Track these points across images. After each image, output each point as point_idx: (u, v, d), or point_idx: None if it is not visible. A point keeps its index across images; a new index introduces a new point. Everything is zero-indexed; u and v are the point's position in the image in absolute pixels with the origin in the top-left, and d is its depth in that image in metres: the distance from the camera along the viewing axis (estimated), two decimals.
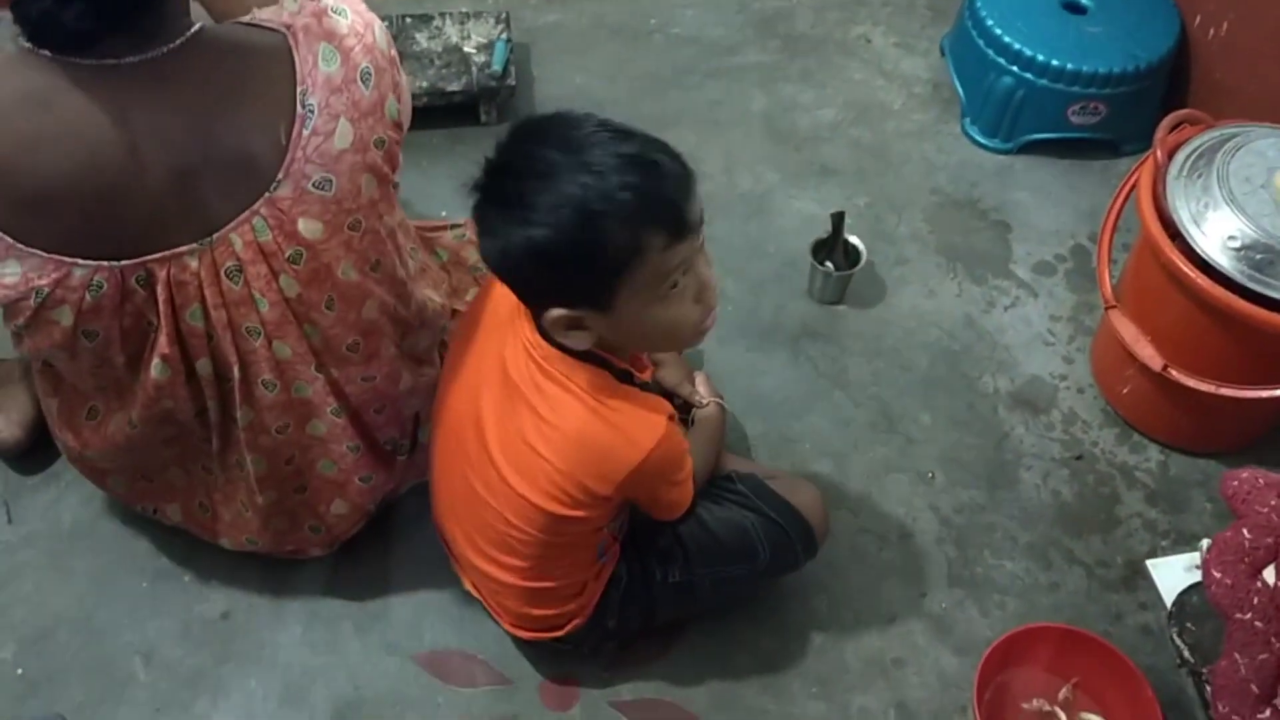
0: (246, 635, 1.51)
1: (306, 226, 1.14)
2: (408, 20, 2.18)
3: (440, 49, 2.14)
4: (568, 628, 1.37)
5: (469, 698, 1.46)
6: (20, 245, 1.08)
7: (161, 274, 1.14)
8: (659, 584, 1.39)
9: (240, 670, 1.48)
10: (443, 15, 2.19)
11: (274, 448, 1.33)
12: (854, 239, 1.89)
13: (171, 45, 1.06)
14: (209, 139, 1.08)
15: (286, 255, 1.15)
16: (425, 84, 2.07)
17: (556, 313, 1.09)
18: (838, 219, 1.86)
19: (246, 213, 1.12)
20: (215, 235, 1.13)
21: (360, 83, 1.12)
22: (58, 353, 1.19)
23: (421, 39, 2.15)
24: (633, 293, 1.07)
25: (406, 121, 1.23)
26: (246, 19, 1.14)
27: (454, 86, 2.08)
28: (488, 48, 2.14)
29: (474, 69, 2.10)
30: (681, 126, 2.14)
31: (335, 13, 1.13)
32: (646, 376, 1.28)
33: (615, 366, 1.19)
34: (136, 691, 1.46)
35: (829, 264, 1.88)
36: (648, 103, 2.21)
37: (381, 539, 1.58)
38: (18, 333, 1.19)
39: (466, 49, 2.14)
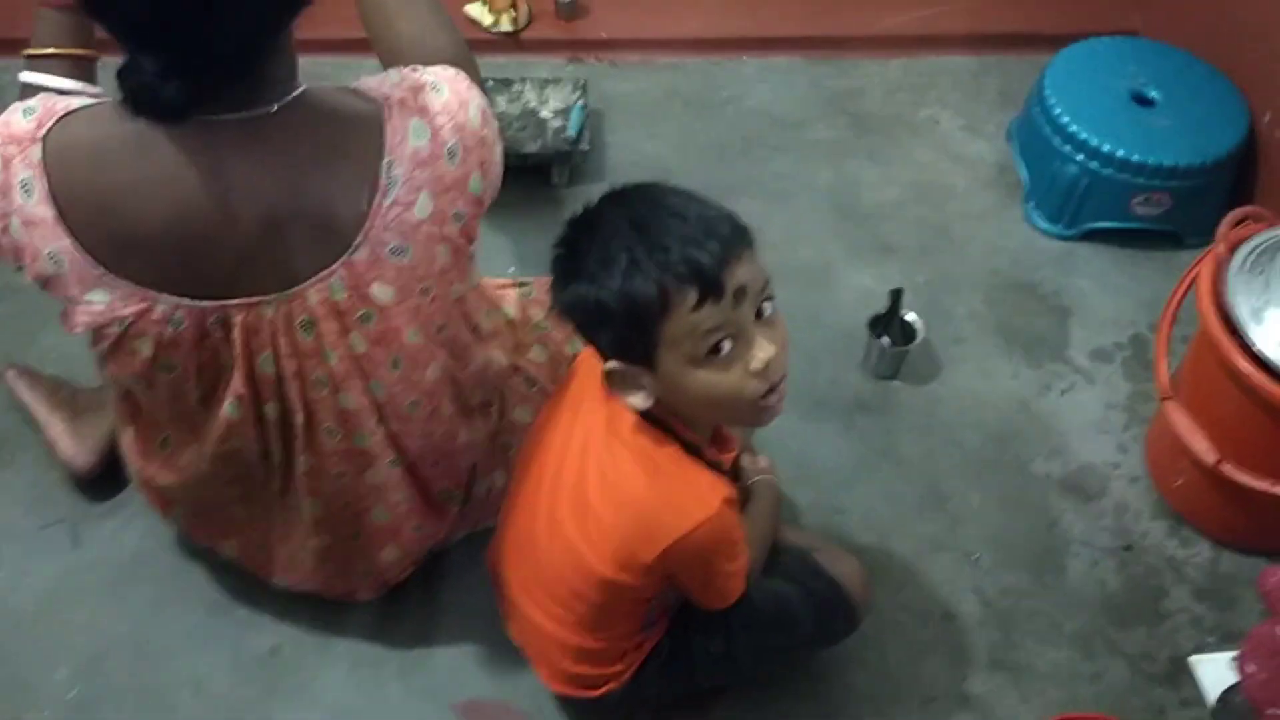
0: (294, 672, 1.55)
1: (380, 290, 1.19)
2: (490, 84, 2.26)
3: (518, 112, 2.22)
4: (603, 689, 1.39)
5: None
6: (110, 275, 1.15)
7: (239, 319, 1.19)
8: (700, 654, 1.40)
9: (285, 706, 1.51)
10: (523, 80, 2.27)
11: (332, 493, 1.37)
12: (911, 316, 1.91)
13: (270, 109, 1.12)
14: (297, 196, 1.13)
15: (359, 315, 1.20)
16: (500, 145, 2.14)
17: (611, 365, 1.15)
18: (896, 295, 1.89)
19: (325, 271, 1.17)
20: (293, 289, 1.18)
21: (446, 159, 1.17)
22: (137, 381, 1.25)
23: (501, 102, 2.23)
24: (670, 351, 1.11)
25: (490, 196, 1.27)
26: (351, 87, 1.20)
27: (529, 149, 2.14)
28: (564, 113, 2.21)
29: (549, 133, 2.17)
30: (747, 196, 2.17)
31: (433, 89, 1.18)
32: (725, 458, 1.28)
33: (685, 439, 1.21)
34: None
35: (885, 339, 1.90)
36: (715, 171, 2.25)
37: (430, 586, 1.61)
38: (101, 358, 1.25)
39: (543, 114, 2.22)
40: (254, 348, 1.22)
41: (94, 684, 1.53)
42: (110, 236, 1.13)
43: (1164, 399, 1.64)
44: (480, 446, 1.48)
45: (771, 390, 1.17)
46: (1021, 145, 2.27)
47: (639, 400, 1.16)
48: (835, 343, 1.97)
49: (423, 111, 1.17)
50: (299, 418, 1.29)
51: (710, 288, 1.08)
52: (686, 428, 1.21)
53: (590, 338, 1.19)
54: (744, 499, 1.54)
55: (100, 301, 1.17)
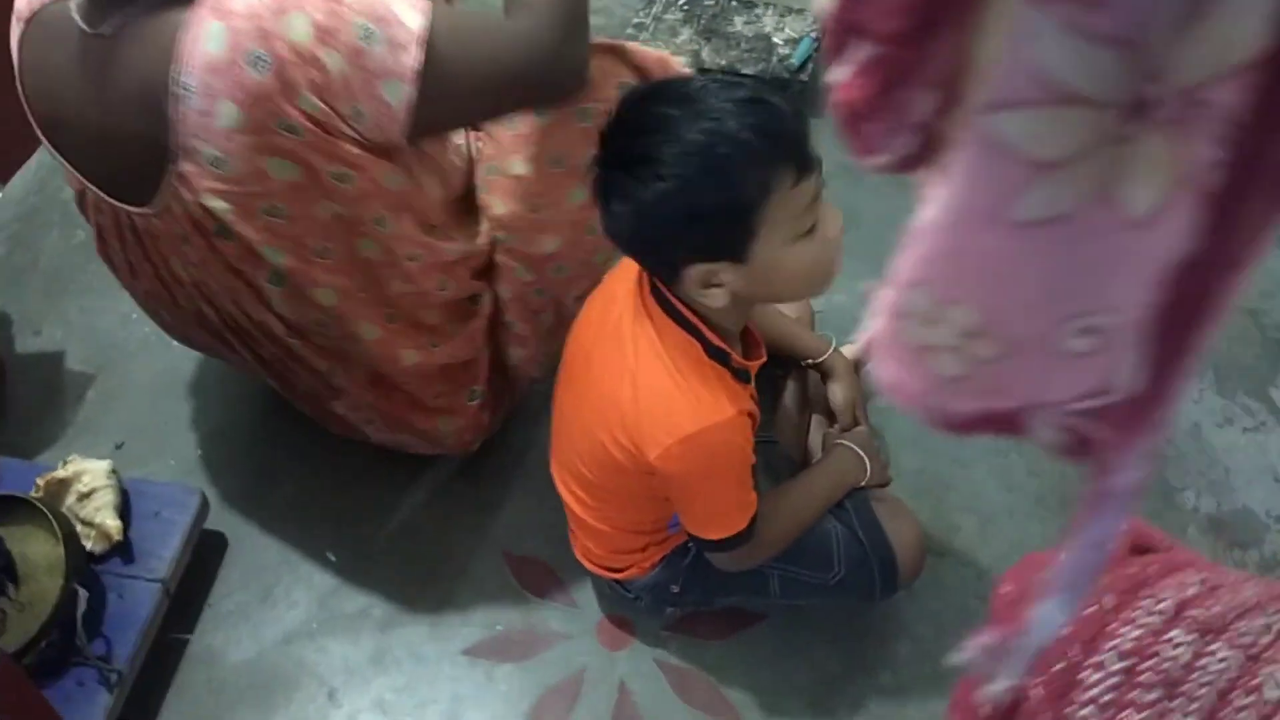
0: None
1: (216, 203, 1.17)
2: (732, 3, 2.27)
3: (751, 34, 2.21)
4: (624, 573, 1.41)
5: (536, 606, 1.53)
6: (59, 154, 1.28)
7: (141, 224, 1.26)
8: (719, 575, 1.38)
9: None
10: (766, 5, 2.26)
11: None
12: None
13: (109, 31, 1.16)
14: (118, 111, 1.18)
15: (214, 230, 1.21)
16: (724, 62, 2.15)
17: (695, 269, 1.08)
18: None
19: (164, 183, 1.19)
20: (157, 202, 1.21)
21: (249, 66, 1.10)
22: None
23: (739, 22, 2.23)
24: (770, 234, 1.06)
25: (374, 130, 1.18)
26: None
27: (749, 70, 2.14)
28: (795, 43, 2.18)
29: (774, 58, 2.16)
30: None
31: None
32: (752, 364, 1.23)
33: (711, 342, 1.16)
34: None
35: None
36: None
37: (511, 449, 1.69)
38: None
39: (775, 39, 2.20)
40: (164, 252, 1.28)
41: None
42: (45, 120, 1.26)
43: None
44: (456, 356, 1.44)
45: (840, 250, 1.13)
46: None
47: (717, 298, 1.11)
48: None
49: (224, 15, 1.10)
50: (233, 321, 1.34)
51: (807, 161, 1.05)
52: (715, 332, 1.16)
53: (658, 246, 1.11)
54: (817, 459, 1.49)
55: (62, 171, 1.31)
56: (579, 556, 1.46)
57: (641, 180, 1.04)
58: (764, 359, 1.27)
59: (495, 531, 1.61)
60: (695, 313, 1.15)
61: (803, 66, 2.14)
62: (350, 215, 1.22)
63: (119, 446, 1.72)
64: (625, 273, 1.24)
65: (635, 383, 1.17)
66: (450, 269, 1.35)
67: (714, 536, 1.25)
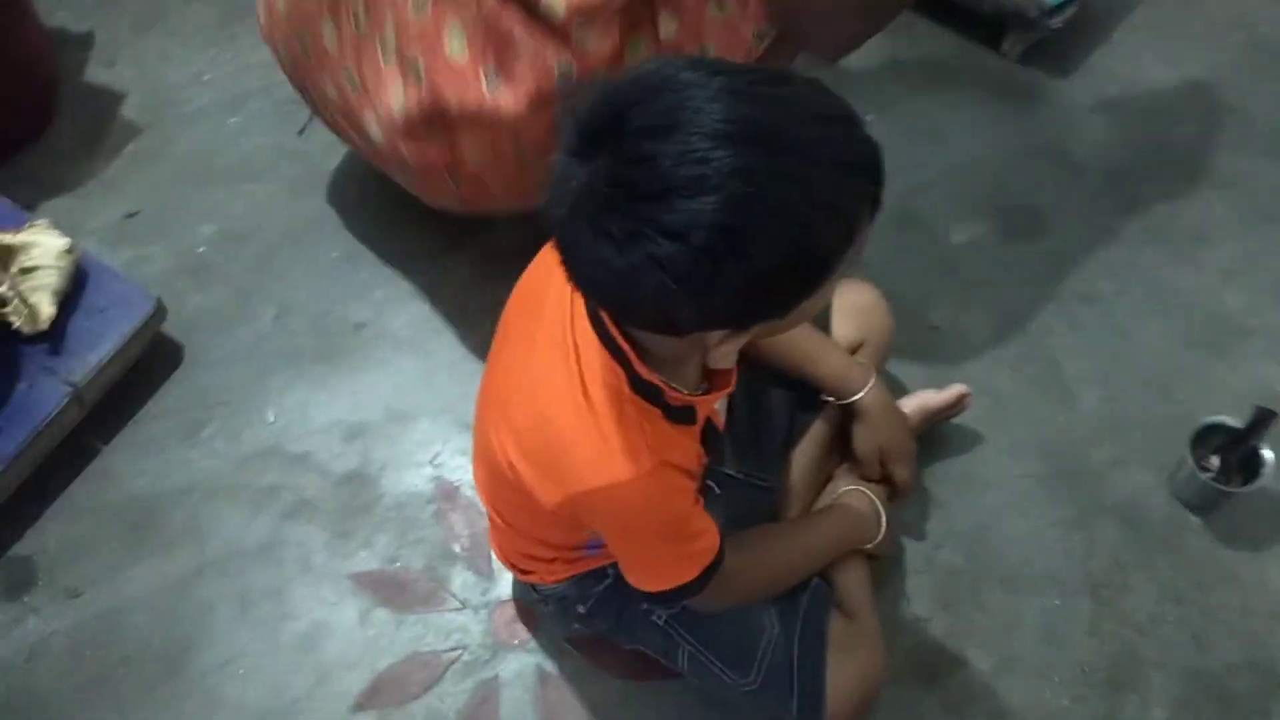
0: None
1: None
2: None
3: None
4: (531, 577, 1.17)
5: (450, 557, 1.33)
6: None
7: None
8: (640, 608, 1.13)
9: None
10: None
11: None
12: (1269, 452, 1.31)
13: None
14: None
15: None
16: None
17: (706, 336, 0.76)
18: (1263, 417, 1.29)
19: None
20: None
21: None
22: None
23: None
24: (830, 283, 0.75)
25: None
26: None
27: (984, 4, 1.67)
28: None
29: None
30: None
31: None
32: (703, 398, 0.91)
33: (638, 376, 0.85)
34: None
35: (1214, 461, 1.33)
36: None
37: None
38: None
39: None
40: None
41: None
42: None
43: None
44: None
45: None
46: None
47: (724, 358, 0.82)
48: (1157, 420, 1.42)
49: None
50: None
51: (880, 195, 0.72)
52: (647, 364, 0.84)
53: (667, 311, 0.70)
54: (820, 504, 1.23)
55: None
56: (490, 542, 1.23)
57: (666, 231, 0.66)
58: (729, 388, 0.95)
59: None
60: (628, 336, 0.84)
61: (1061, 7, 1.65)
62: None
63: (130, 215, 1.59)
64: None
65: (536, 408, 0.89)
66: None
67: (650, 589, 0.98)
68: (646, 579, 0.98)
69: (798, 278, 0.71)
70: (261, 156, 1.66)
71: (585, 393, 0.86)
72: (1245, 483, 1.32)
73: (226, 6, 1.81)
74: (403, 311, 1.51)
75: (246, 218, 1.61)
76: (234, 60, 1.75)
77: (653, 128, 0.66)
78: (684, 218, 0.65)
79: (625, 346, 0.84)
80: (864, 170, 0.70)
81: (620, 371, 0.86)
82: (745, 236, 0.66)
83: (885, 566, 1.29)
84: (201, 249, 1.57)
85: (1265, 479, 1.30)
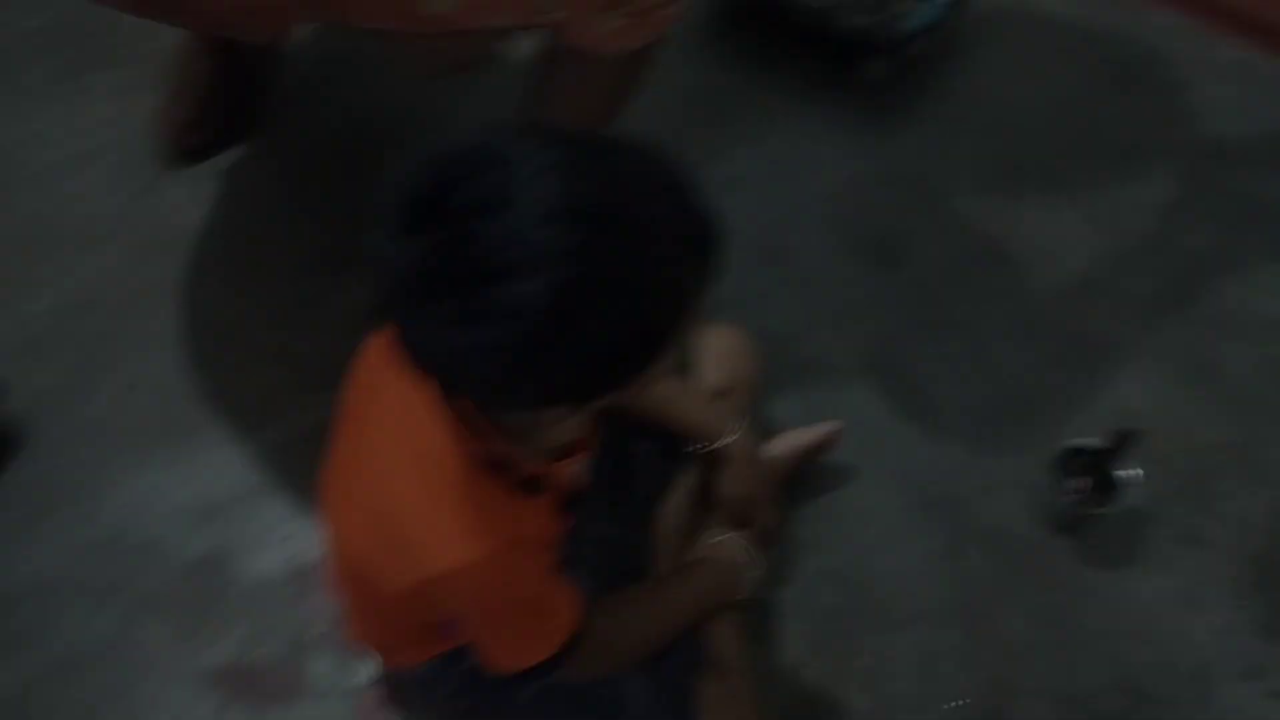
0: None
1: None
2: None
3: None
4: (386, 659, 1.12)
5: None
6: None
7: None
8: (506, 687, 1.09)
9: None
10: None
11: None
12: (1133, 472, 1.32)
13: None
14: None
15: None
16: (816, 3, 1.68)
17: (543, 413, 0.76)
18: (1121, 438, 1.30)
19: None
20: None
21: None
22: None
23: None
24: (669, 354, 0.73)
25: None
26: None
27: (850, 18, 1.64)
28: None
29: (887, 10, 1.64)
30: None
31: None
32: (556, 469, 0.91)
33: (485, 446, 0.82)
34: None
35: (1083, 482, 1.34)
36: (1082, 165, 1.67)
37: None
38: None
39: None
40: None
41: None
42: None
43: None
44: None
45: None
46: None
47: (566, 431, 0.84)
48: (1023, 443, 1.42)
49: None
50: None
51: (714, 266, 0.72)
52: (505, 440, 0.83)
53: (501, 392, 0.71)
54: (685, 558, 1.19)
55: None
56: (346, 628, 1.17)
57: (496, 313, 0.63)
58: (585, 452, 0.94)
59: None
60: (473, 409, 0.81)
61: (922, 32, 1.66)
62: None
63: None
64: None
65: (379, 490, 0.86)
66: None
67: (508, 669, 0.94)
68: (504, 659, 0.94)
69: (634, 354, 0.70)
70: (108, 218, 1.59)
71: (430, 471, 0.83)
72: (1108, 503, 1.33)
73: (76, 60, 1.73)
74: (256, 380, 1.45)
75: (92, 285, 1.53)
76: (82, 116, 1.67)
77: (480, 206, 0.63)
78: (514, 300, 0.62)
79: (470, 420, 0.81)
80: (697, 243, 0.69)
81: (467, 445, 0.82)
82: (576, 317, 0.64)
83: (759, 614, 1.27)
84: (43, 321, 1.49)
85: (1126, 498, 1.31)
